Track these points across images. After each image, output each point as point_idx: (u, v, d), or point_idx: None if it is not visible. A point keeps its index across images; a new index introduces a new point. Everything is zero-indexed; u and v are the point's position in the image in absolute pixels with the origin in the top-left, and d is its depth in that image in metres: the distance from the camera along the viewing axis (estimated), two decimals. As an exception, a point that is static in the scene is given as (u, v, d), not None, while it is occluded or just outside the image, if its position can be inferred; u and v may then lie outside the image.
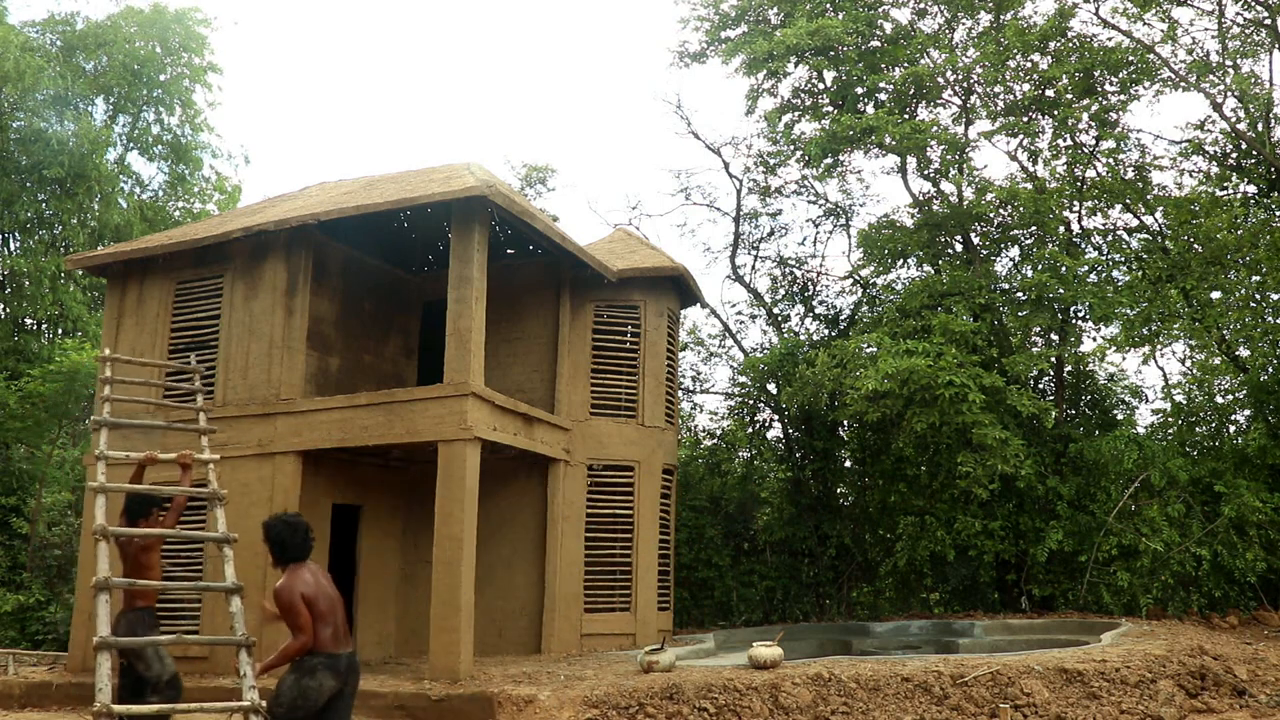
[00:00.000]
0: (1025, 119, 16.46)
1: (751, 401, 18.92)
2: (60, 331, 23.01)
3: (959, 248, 17.32)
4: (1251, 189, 16.08)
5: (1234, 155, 16.18)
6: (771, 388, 18.00)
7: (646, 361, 13.32)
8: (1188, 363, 18.44)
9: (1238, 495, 13.63)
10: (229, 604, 5.70)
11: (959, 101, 17.30)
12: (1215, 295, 15.41)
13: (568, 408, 12.67)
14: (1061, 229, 16.33)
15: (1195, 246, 15.22)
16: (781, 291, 20.20)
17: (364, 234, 12.52)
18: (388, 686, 9.15)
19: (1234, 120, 15.82)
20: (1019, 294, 15.97)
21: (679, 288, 14.04)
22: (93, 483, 6.58)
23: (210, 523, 6.88)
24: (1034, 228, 16.36)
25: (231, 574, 5.83)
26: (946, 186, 17.44)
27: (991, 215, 16.71)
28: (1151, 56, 15.58)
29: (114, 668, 5.77)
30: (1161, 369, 20.88)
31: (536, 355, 12.96)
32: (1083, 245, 16.68)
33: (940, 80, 16.94)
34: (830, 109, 17.98)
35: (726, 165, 20.38)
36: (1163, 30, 15.54)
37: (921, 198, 17.71)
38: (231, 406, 11.04)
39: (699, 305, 16.52)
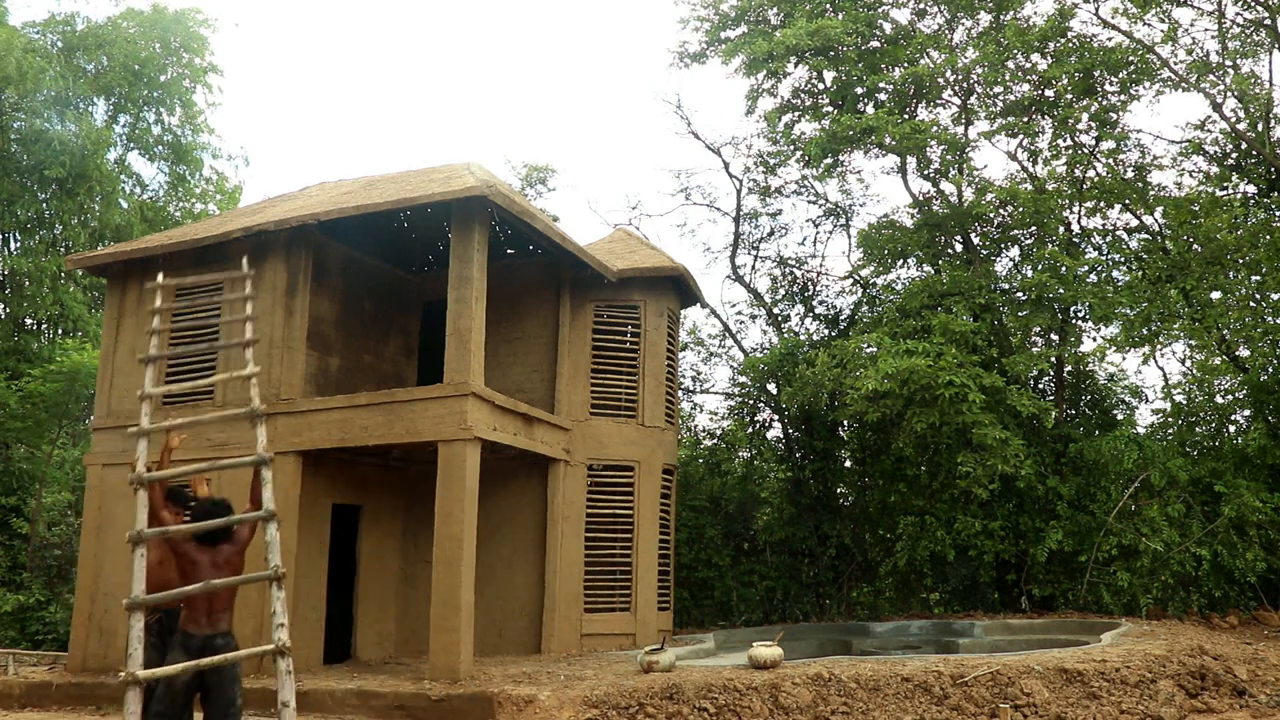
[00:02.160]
0: (1025, 119, 16.46)
1: (751, 401, 18.92)
2: (60, 331, 23.03)
3: (959, 248, 17.32)
4: (1251, 189, 16.08)
5: (1234, 155, 16.18)
6: (771, 388, 18.00)
7: (646, 361, 13.32)
8: (1188, 363, 18.46)
9: (1238, 495, 13.63)
10: (264, 532, 5.81)
11: (959, 101, 17.30)
12: (1215, 295, 15.41)
13: (568, 408, 12.67)
14: (1061, 229, 16.32)
15: (1195, 246, 15.22)
16: (781, 291, 20.21)
17: (364, 234, 12.52)
18: (388, 686, 9.15)
19: (1234, 120, 15.83)
20: (1019, 294, 15.97)
21: (679, 288, 14.04)
22: (133, 427, 6.60)
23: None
24: (1034, 228, 16.36)
25: (273, 530, 5.85)
26: (946, 186, 17.45)
27: (991, 215, 16.71)
28: (1151, 57, 15.58)
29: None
30: (1161, 369, 20.90)
31: (536, 355, 12.96)
32: (1083, 245, 16.68)
33: (940, 80, 16.93)
34: (830, 109, 17.98)
35: (726, 165, 20.40)
36: (1163, 31, 15.55)
37: (921, 198, 17.71)
38: (231, 406, 11.03)
39: (699, 305, 16.53)
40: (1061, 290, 14.88)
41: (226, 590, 5.78)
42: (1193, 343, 16.44)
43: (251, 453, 6.37)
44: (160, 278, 8.42)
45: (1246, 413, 16.23)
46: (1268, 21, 15.70)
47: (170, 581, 6.00)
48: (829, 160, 17.67)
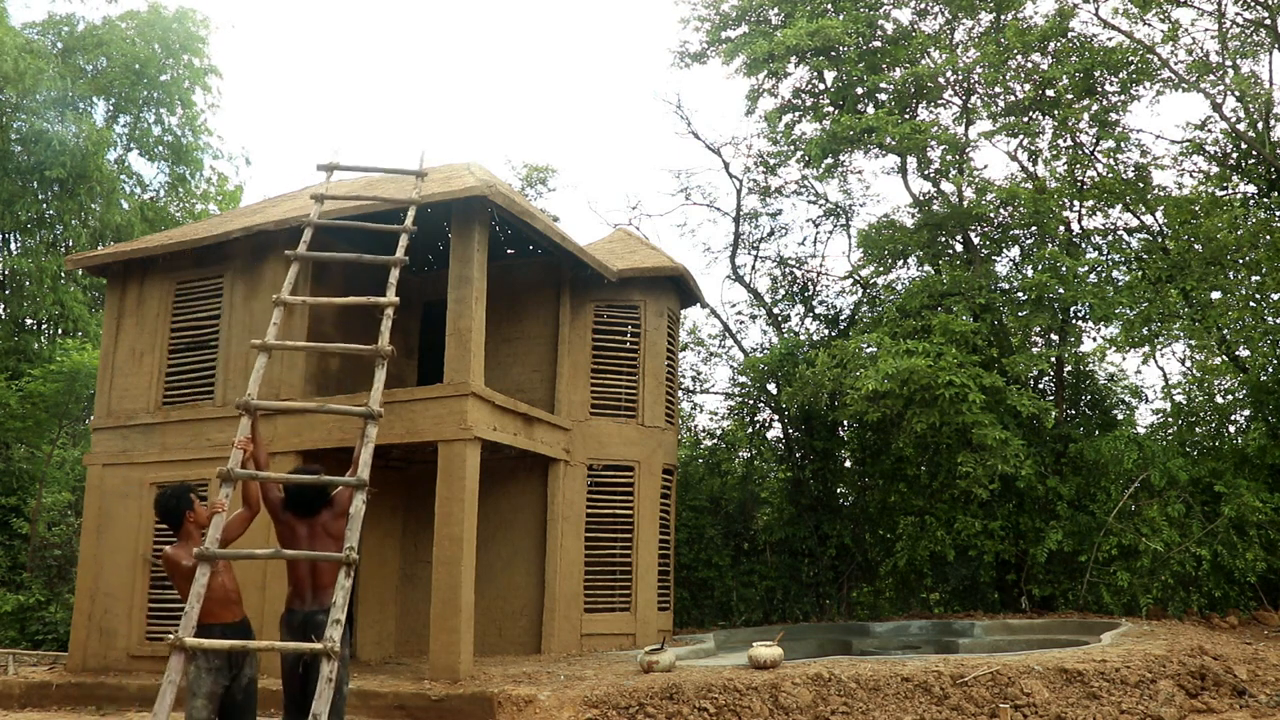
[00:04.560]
0: (1025, 119, 16.45)
1: (751, 401, 18.92)
2: (61, 331, 23.03)
3: (959, 248, 17.31)
4: (1251, 189, 16.07)
5: (1234, 155, 16.16)
6: (771, 388, 18.00)
7: (646, 361, 13.31)
8: (1188, 363, 18.44)
9: (1238, 495, 13.61)
10: (354, 501, 5.61)
11: (959, 102, 17.30)
12: (1215, 295, 15.39)
13: (568, 408, 12.67)
14: (1061, 229, 16.31)
15: (1195, 246, 15.21)
16: (781, 291, 20.20)
17: (364, 234, 12.50)
18: (388, 686, 9.16)
19: (1234, 120, 15.81)
20: (1019, 294, 15.96)
21: (679, 288, 14.04)
22: (256, 341, 6.59)
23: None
24: (1034, 228, 16.34)
25: (360, 502, 5.61)
26: (946, 186, 17.44)
27: (991, 215, 16.69)
28: (1151, 57, 15.58)
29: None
30: (1161, 369, 20.86)
31: (536, 355, 12.96)
32: (1083, 245, 16.67)
33: (940, 80, 16.92)
34: (830, 109, 17.96)
35: (726, 165, 20.39)
36: (1163, 31, 15.54)
37: (921, 198, 17.70)
38: (232, 406, 11.04)
39: (699, 305, 16.52)
40: (1061, 290, 14.87)
41: (329, 564, 5.49)
42: (1193, 343, 16.43)
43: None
44: (334, 155, 8.36)
45: (1246, 413, 16.21)
46: (1268, 21, 15.69)
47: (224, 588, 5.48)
48: (829, 160, 17.65)
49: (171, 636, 4.92)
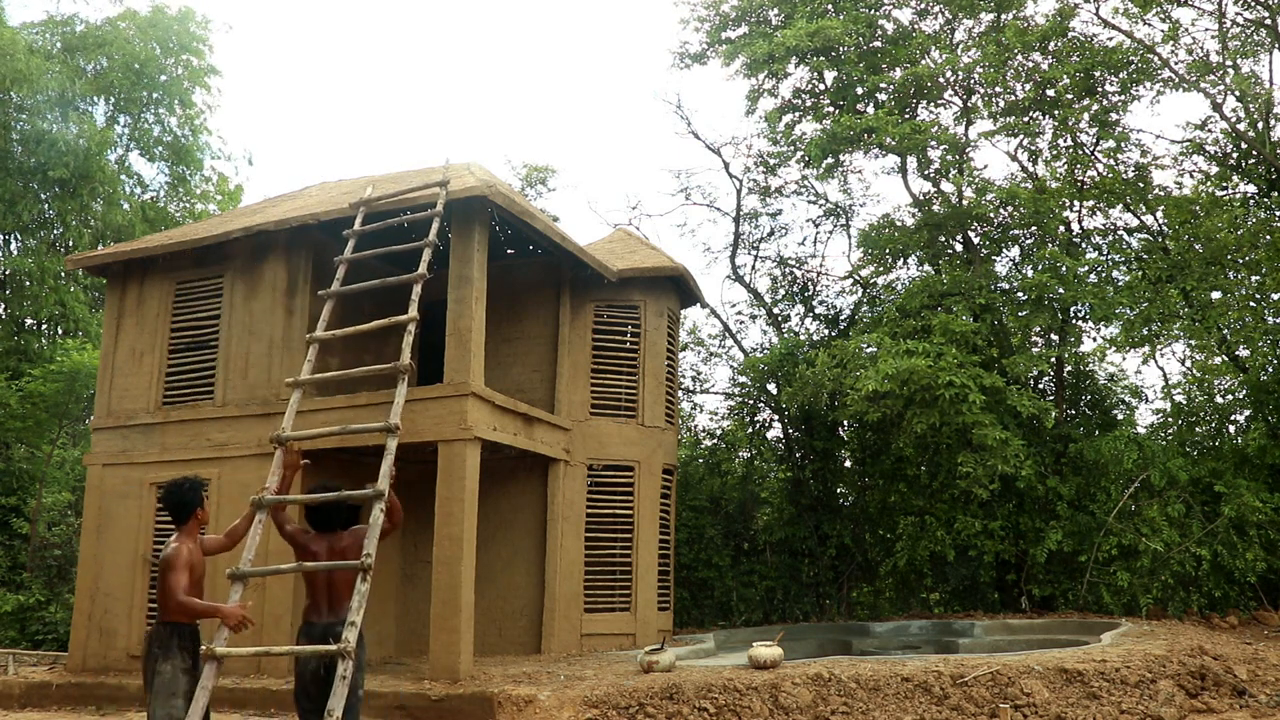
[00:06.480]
0: (1025, 119, 16.45)
1: (751, 401, 18.92)
2: (61, 331, 23.04)
3: (959, 248, 17.31)
4: (1251, 189, 16.07)
5: (1234, 155, 16.17)
6: (771, 388, 18.00)
7: (646, 361, 13.31)
8: (1188, 363, 18.45)
9: (1238, 495, 13.61)
10: (371, 512, 5.84)
11: (959, 101, 17.29)
12: (1215, 295, 15.40)
13: (568, 408, 12.67)
14: (1061, 229, 16.32)
15: (1195, 246, 15.21)
16: (781, 291, 20.20)
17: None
18: (388, 686, 9.15)
19: (1234, 120, 15.82)
20: (1019, 294, 15.96)
21: (679, 288, 14.04)
22: (290, 379, 7.00)
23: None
24: (1034, 228, 16.35)
25: (378, 511, 5.86)
26: (947, 186, 17.44)
27: (991, 215, 16.70)
28: (1152, 56, 15.58)
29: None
30: (1161, 369, 20.87)
31: (536, 355, 12.96)
32: (1083, 245, 16.67)
33: (940, 80, 16.92)
34: (831, 109, 17.96)
35: (726, 165, 20.39)
36: (1163, 30, 15.55)
37: (921, 198, 17.70)
38: (231, 406, 11.05)
39: (699, 305, 16.51)
40: (1061, 290, 14.87)
41: (345, 578, 5.70)
42: (1193, 343, 16.43)
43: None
44: (369, 191, 8.54)
45: (1246, 413, 16.22)
46: (1268, 21, 15.69)
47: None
48: (829, 160, 17.64)
49: (204, 648, 5.33)
